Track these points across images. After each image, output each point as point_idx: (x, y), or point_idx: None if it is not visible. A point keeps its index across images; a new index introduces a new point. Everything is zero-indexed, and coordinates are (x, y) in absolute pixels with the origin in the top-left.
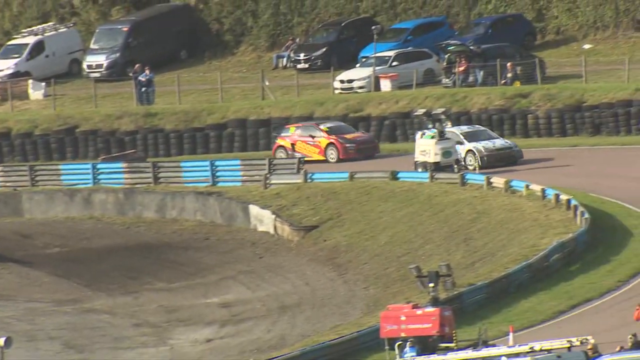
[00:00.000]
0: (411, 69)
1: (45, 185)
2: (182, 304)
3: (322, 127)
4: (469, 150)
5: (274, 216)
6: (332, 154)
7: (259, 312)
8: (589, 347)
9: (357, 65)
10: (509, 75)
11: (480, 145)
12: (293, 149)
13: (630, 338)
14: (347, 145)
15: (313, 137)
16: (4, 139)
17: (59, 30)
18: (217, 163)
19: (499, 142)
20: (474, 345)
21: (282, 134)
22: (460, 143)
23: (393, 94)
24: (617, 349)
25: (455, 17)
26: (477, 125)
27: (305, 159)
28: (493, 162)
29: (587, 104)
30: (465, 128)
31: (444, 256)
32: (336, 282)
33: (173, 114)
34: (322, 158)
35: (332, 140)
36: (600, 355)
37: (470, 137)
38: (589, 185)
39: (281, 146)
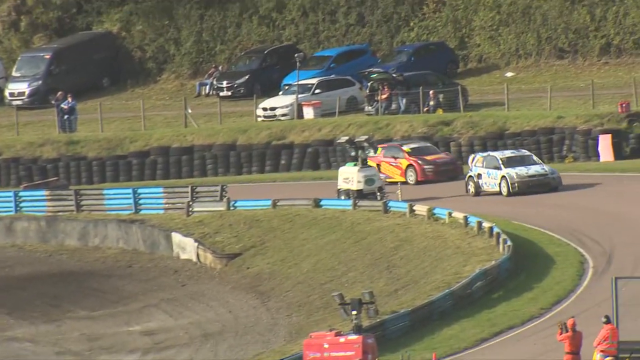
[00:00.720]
0: (334, 97)
1: None
2: (105, 332)
3: (404, 147)
4: (503, 176)
5: (196, 244)
6: (411, 176)
7: (181, 340)
8: None
9: (280, 92)
10: (432, 102)
11: (514, 171)
12: (379, 170)
13: None
14: (426, 167)
15: (395, 158)
16: None
17: None
18: (139, 191)
19: (535, 169)
20: None
21: (370, 155)
22: (498, 168)
23: (316, 122)
24: None
25: (378, 44)
26: (524, 150)
27: (388, 180)
28: (524, 189)
29: (510, 132)
30: (508, 153)
31: (367, 284)
32: (259, 310)
33: (95, 141)
34: (403, 180)
35: (412, 162)
36: None
37: (510, 162)
38: (511, 212)
39: (471, 177)
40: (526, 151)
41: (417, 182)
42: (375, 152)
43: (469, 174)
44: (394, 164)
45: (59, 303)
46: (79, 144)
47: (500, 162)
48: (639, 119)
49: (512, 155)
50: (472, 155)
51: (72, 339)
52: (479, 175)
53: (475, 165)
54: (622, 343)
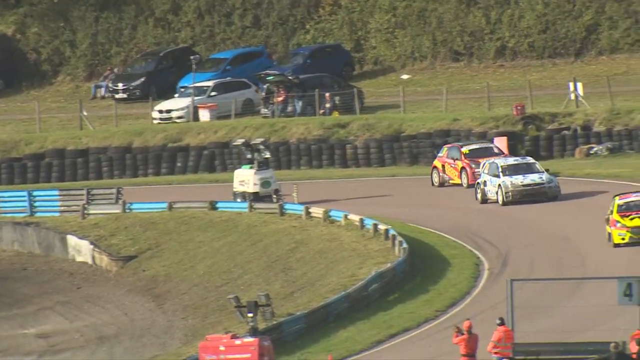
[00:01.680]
0: (230, 99)
1: None
2: (0, 334)
3: (463, 149)
4: (499, 185)
5: (92, 246)
6: (464, 179)
7: (77, 343)
8: None
9: (176, 95)
10: (328, 105)
11: (510, 180)
12: (444, 171)
13: None
14: (477, 170)
15: (454, 159)
16: None
17: None
18: (35, 193)
19: (531, 178)
20: None
21: (438, 155)
22: (497, 176)
23: (212, 124)
24: None
25: (273, 47)
26: (528, 158)
27: (451, 182)
28: (519, 198)
29: (406, 134)
30: (510, 160)
31: (263, 286)
32: (155, 313)
33: None
34: (459, 182)
35: (465, 165)
36: None
37: (509, 170)
38: (407, 215)
39: (435, 167)
40: (531, 159)
41: (469, 186)
42: (270, 155)
43: (477, 181)
44: (452, 166)
45: None
46: None
47: (500, 169)
48: (534, 121)
49: (514, 163)
50: (483, 161)
51: None
52: (485, 183)
53: (482, 172)
54: (517, 345)
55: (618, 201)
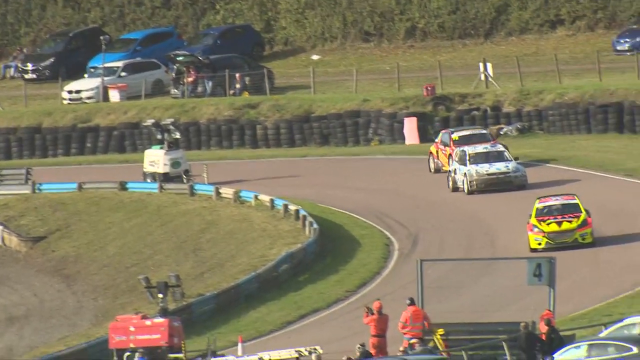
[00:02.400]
0: (140, 80)
1: None
2: None
3: (453, 135)
4: (464, 174)
5: (1, 227)
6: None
7: None
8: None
9: (86, 75)
10: (238, 85)
11: (475, 169)
12: (438, 157)
13: (359, 348)
14: None
15: (445, 145)
16: None
17: None
18: None
19: (497, 167)
20: (203, 356)
21: (436, 139)
22: (464, 164)
23: (122, 105)
24: (344, 358)
25: (183, 27)
26: (499, 145)
27: (444, 168)
28: (483, 187)
29: (316, 115)
30: (479, 148)
31: (173, 267)
32: (65, 293)
33: None
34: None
35: (452, 152)
36: None
37: (476, 158)
38: (317, 195)
39: (431, 153)
40: (501, 146)
41: None
42: (180, 135)
43: (448, 169)
44: (443, 152)
45: None
46: None
47: (468, 157)
48: (444, 102)
49: (482, 151)
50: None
51: None
52: (455, 171)
53: (454, 160)
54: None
55: (538, 205)
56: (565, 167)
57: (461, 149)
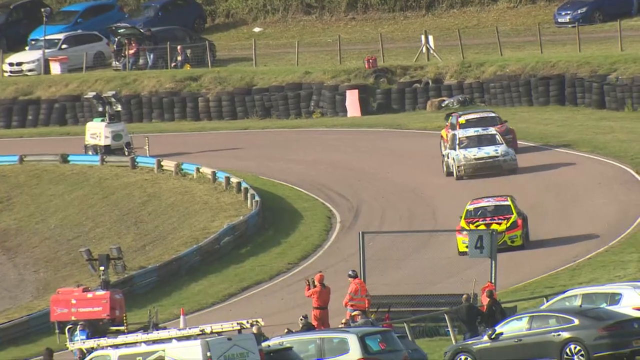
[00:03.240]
0: (81, 52)
1: None
2: None
3: (460, 119)
4: (453, 158)
5: None
6: None
7: None
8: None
9: (27, 48)
10: (179, 58)
11: (463, 153)
12: (447, 141)
13: (301, 320)
14: None
15: (453, 128)
16: None
17: None
18: None
19: (485, 151)
20: (145, 328)
21: (446, 123)
22: (453, 149)
23: (63, 77)
24: (285, 331)
25: (125, 0)
26: (491, 129)
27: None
28: (471, 172)
29: (257, 87)
30: (470, 132)
31: (115, 239)
32: (6, 266)
33: None
34: None
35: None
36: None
37: (467, 142)
38: (259, 168)
39: (441, 137)
40: (493, 130)
41: None
42: (122, 107)
43: (442, 153)
44: (449, 135)
45: None
46: None
47: (458, 141)
48: (386, 74)
49: (473, 134)
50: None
51: None
52: (448, 155)
53: (447, 144)
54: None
55: (469, 206)
56: None
57: (453, 132)
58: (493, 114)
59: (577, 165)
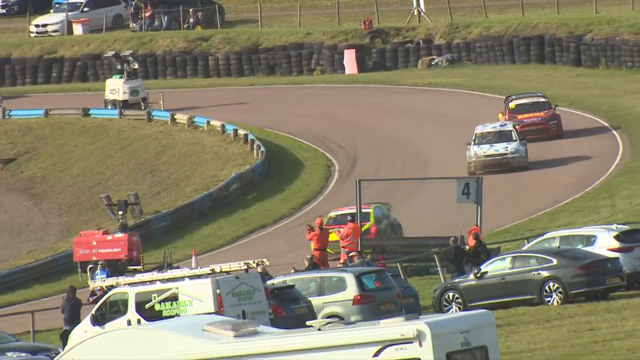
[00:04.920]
0: (101, 14)
1: None
2: None
3: (510, 103)
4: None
5: None
6: None
7: None
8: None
9: (52, 10)
10: (191, 20)
11: (475, 149)
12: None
13: (307, 259)
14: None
15: (503, 113)
16: None
17: None
18: None
19: (495, 148)
20: (160, 268)
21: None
22: (469, 144)
23: (84, 37)
24: (292, 270)
25: None
26: (508, 124)
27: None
28: (480, 168)
29: (263, 47)
30: (488, 127)
31: (132, 186)
32: (32, 211)
33: None
34: None
35: (505, 119)
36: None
37: (480, 139)
38: (264, 121)
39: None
40: (509, 126)
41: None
42: (138, 65)
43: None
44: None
45: None
46: None
47: (474, 137)
48: (380, 35)
49: (490, 130)
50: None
51: None
52: (468, 149)
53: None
54: (365, 239)
55: (331, 213)
56: (490, 94)
57: (475, 127)
58: (543, 99)
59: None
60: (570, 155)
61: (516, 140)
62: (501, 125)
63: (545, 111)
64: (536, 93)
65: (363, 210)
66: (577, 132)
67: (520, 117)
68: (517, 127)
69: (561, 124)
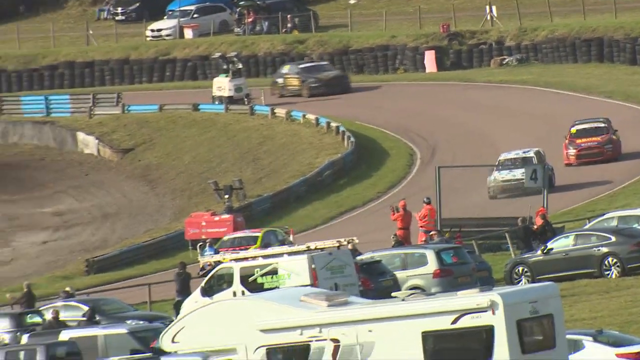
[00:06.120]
0: (209, 20)
1: None
2: (22, 212)
3: (572, 128)
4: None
5: (97, 141)
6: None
7: (85, 219)
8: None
9: (165, 17)
10: (289, 25)
11: (495, 174)
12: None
13: (393, 237)
14: (569, 151)
15: (566, 137)
16: None
17: None
18: (50, 97)
19: (515, 173)
20: (264, 246)
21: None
22: (565, 137)
23: (194, 41)
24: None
25: None
26: (530, 152)
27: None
28: (498, 192)
29: (352, 48)
30: (511, 154)
31: (237, 173)
32: (149, 195)
33: (14, 57)
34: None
35: (565, 144)
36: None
37: (503, 165)
38: (354, 114)
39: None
40: (532, 152)
41: (566, 165)
42: (242, 65)
43: None
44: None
45: None
46: (0, 58)
47: (498, 162)
48: (457, 37)
49: (512, 157)
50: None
51: None
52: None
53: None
54: (443, 220)
55: (225, 237)
56: (555, 89)
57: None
58: (602, 124)
59: (613, 112)
60: (626, 143)
61: (528, 166)
62: (524, 152)
63: (603, 136)
64: (598, 118)
65: (252, 234)
66: (635, 123)
67: (579, 141)
68: (571, 152)
69: (619, 148)
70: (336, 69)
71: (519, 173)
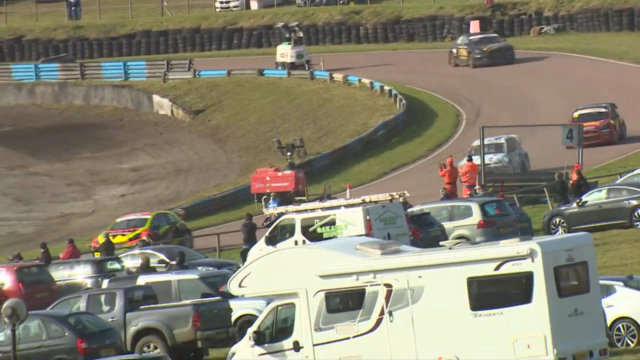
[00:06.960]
0: None
1: None
2: (103, 168)
3: (575, 113)
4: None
5: (171, 103)
6: None
7: (160, 175)
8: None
9: None
10: None
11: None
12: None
13: (442, 191)
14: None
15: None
16: None
17: None
18: (128, 63)
19: (490, 157)
20: (321, 198)
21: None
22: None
23: (259, 11)
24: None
25: None
26: (501, 138)
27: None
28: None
29: (404, 19)
30: (485, 140)
31: (298, 132)
32: (217, 152)
33: (95, 26)
34: None
35: None
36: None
37: (479, 150)
38: (405, 79)
39: None
40: (503, 139)
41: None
42: (303, 34)
43: None
44: None
45: (69, 147)
46: (82, 28)
47: (470, 149)
48: (500, 8)
49: (486, 143)
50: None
51: (78, 174)
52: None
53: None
54: (487, 174)
55: (117, 220)
56: (590, 56)
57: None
58: (603, 109)
59: None
60: None
61: (503, 152)
62: (495, 139)
63: (602, 120)
64: (601, 104)
65: (141, 217)
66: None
67: (585, 124)
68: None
69: (614, 132)
70: (502, 41)
71: (487, 158)
